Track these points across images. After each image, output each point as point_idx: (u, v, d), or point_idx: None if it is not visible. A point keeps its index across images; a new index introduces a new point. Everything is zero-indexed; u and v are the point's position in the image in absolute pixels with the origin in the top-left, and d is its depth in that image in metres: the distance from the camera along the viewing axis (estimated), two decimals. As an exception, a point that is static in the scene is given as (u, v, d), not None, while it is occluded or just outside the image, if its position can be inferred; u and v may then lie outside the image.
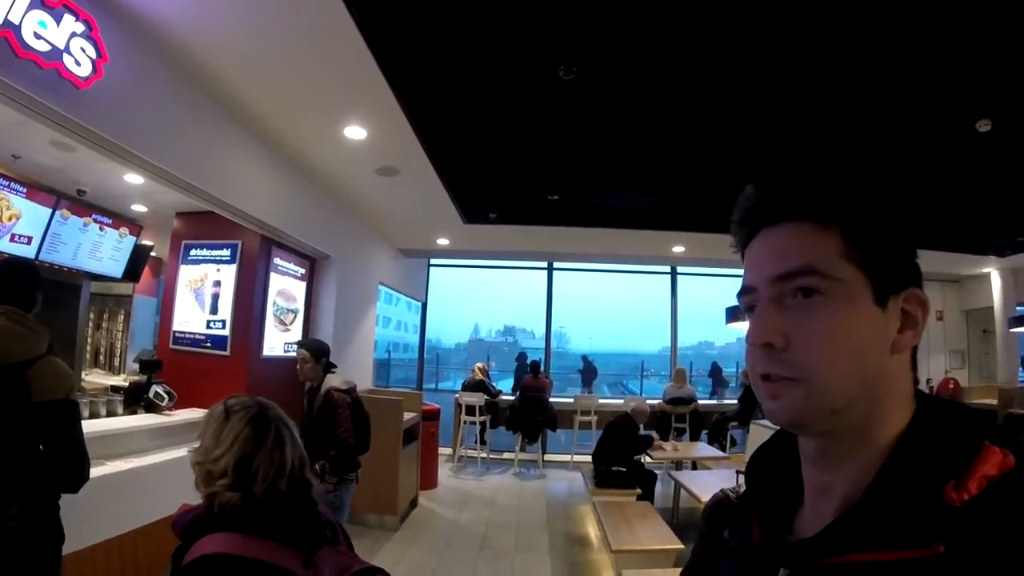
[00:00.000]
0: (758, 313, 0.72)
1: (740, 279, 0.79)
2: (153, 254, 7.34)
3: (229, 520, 1.53)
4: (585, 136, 5.35)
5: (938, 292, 11.59)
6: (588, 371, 14.78)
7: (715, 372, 15.98)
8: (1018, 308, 10.74)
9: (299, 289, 6.62)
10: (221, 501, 1.55)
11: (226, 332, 5.62)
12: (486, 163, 6.15)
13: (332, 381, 4.35)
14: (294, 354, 6.21)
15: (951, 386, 10.91)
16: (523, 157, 5.95)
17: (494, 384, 10.89)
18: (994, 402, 9.60)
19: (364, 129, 4.98)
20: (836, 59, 4.01)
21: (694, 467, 8.21)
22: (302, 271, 6.65)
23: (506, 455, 10.43)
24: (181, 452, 4.14)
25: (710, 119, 4.95)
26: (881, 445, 0.69)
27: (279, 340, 6.18)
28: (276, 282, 6.09)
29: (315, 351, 4.42)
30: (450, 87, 4.44)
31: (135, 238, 6.23)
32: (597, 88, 4.41)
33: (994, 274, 10.76)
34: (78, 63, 3.03)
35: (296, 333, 6.50)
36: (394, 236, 9.18)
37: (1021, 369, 11.47)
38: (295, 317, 6.53)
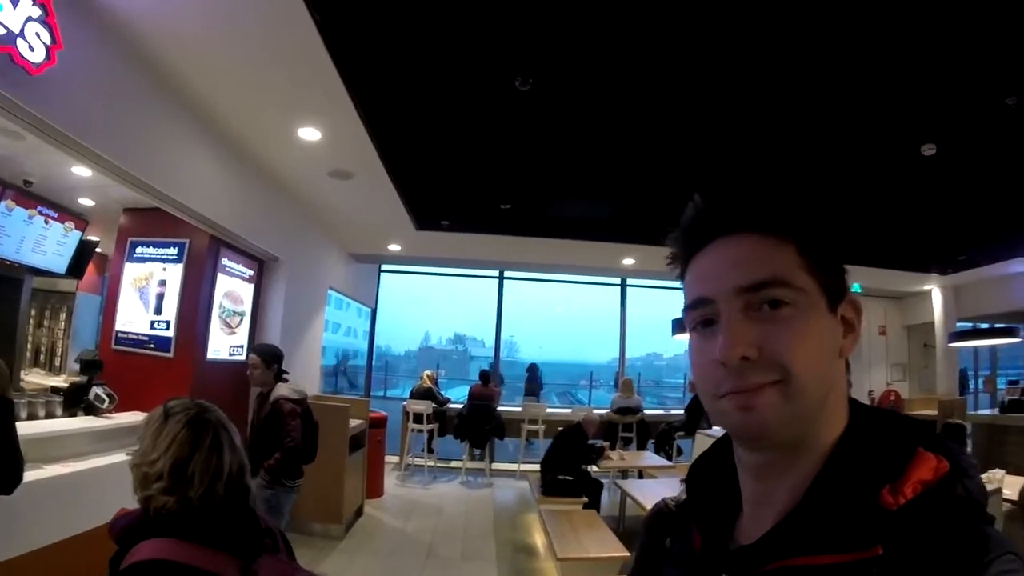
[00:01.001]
0: (728, 326, 0.71)
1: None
2: (98, 250, 7.16)
3: (166, 525, 1.51)
4: (539, 146, 5.39)
5: (881, 308, 12.12)
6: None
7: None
8: (959, 324, 11.26)
9: (247, 291, 6.50)
10: (157, 505, 1.53)
11: (170, 333, 5.48)
12: (440, 170, 6.15)
13: (282, 390, 4.26)
14: (240, 358, 6.17)
15: (892, 397, 11.32)
16: (477, 166, 5.96)
17: (442, 392, 10.83)
18: (934, 413, 10.04)
19: (319, 131, 4.95)
20: (789, 81, 4.13)
21: (640, 476, 8.29)
22: (250, 273, 6.54)
23: (454, 463, 10.38)
24: (121, 456, 4.04)
25: (664, 133, 5.03)
26: (820, 451, 0.71)
27: (224, 343, 6.06)
28: (223, 283, 5.97)
29: (266, 356, 4.34)
30: (407, 93, 4.44)
31: (80, 233, 6.06)
32: (552, 99, 4.45)
33: (935, 291, 11.34)
34: (32, 48, 2.93)
35: (242, 336, 6.39)
36: (345, 240, 9.11)
37: (961, 382, 12.01)
38: (241, 320, 6.42)
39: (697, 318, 0.75)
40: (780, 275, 0.70)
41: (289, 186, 6.39)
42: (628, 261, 9.98)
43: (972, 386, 15.49)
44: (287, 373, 4.47)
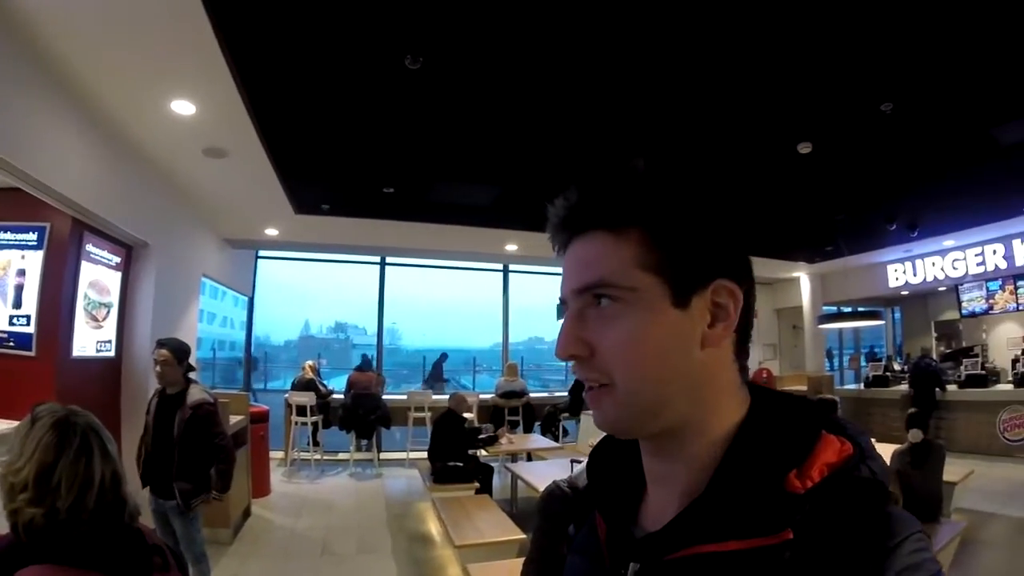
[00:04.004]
0: (562, 327, 0.73)
1: None
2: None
3: (39, 547, 1.43)
4: (425, 128, 5.38)
5: (752, 293, 13.27)
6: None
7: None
8: (825, 308, 12.59)
9: (114, 280, 5.97)
10: (24, 520, 1.44)
11: (31, 329, 4.93)
12: (322, 151, 6.02)
13: (199, 393, 4.09)
14: (108, 354, 5.73)
15: (765, 375, 12.44)
16: (361, 147, 5.88)
17: (325, 383, 10.55)
18: (804, 388, 11.13)
19: (193, 104, 4.65)
20: (677, 74, 4.34)
21: (529, 458, 8.38)
22: (117, 260, 6.00)
23: (341, 456, 10.19)
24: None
25: (549, 118, 5.13)
26: (717, 436, 0.71)
27: (91, 338, 5.55)
28: (88, 271, 5.43)
29: (178, 352, 4.08)
30: (291, 68, 4.28)
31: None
32: (442, 80, 4.44)
33: (803, 278, 12.59)
34: None
35: (110, 330, 5.89)
36: (220, 224, 8.64)
37: (827, 360, 13.43)
38: (108, 312, 5.88)
39: (562, 312, 0.78)
40: (607, 277, 0.70)
41: (160, 165, 5.97)
42: (511, 247, 10.14)
43: (837, 363, 17.17)
44: (194, 369, 4.27)
